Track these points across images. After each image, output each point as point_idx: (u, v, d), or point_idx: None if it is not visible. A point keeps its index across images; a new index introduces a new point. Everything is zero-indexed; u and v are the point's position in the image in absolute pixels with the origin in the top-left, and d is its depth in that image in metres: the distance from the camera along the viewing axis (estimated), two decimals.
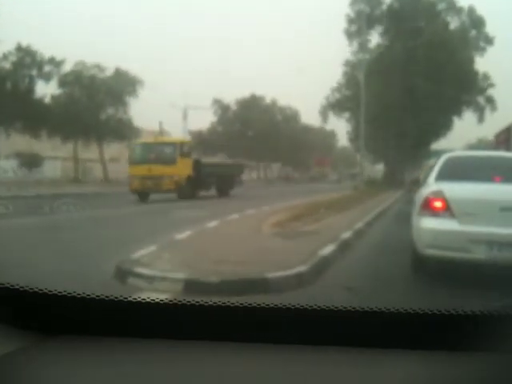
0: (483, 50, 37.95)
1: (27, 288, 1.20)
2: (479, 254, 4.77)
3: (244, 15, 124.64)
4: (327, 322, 1.14)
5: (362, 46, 37.17)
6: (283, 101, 70.61)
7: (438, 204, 5.08)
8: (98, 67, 41.47)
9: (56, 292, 1.20)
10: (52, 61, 38.11)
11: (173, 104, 72.61)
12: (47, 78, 38.34)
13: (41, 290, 1.20)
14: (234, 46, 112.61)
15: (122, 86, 41.03)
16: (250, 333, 1.16)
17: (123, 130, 40.72)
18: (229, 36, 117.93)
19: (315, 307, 1.14)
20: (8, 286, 1.20)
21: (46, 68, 38.22)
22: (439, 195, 5.13)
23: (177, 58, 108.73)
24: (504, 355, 1.05)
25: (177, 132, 51.25)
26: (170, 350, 1.15)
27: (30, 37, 72.12)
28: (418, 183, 8.04)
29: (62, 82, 39.41)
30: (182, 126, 58.00)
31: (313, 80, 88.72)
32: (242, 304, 1.18)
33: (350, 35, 38.92)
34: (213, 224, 9.51)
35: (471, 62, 37.79)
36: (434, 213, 5.09)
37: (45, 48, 38.09)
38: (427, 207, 5.17)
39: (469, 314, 1.11)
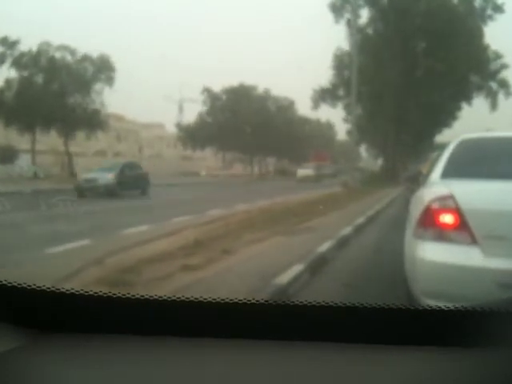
0: (491, 18, 32.15)
1: (25, 285, 1.17)
2: None
3: (242, 7, 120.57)
4: (327, 319, 1.15)
5: (351, 22, 31.09)
6: (280, 93, 66.75)
7: (446, 218, 3.12)
8: (66, 49, 37.01)
9: (54, 289, 1.19)
10: (4, 41, 33.53)
11: (168, 96, 69.45)
12: (0, 60, 33.87)
13: (39, 287, 1.18)
14: (233, 40, 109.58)
15: (90, 70, 36.71)
16: (249, 330, 1.15)
17: (91, 120, 36.39)
18: (228, 29, 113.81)
19: (315, 303, 1.15)
20: (5, 283, 1.18)
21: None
22: (448, 203, 3.12)
23: (175, 51, 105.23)
24: (504, 351, 1.06)
25: (172, 125, 49.46)
26: (170, 348, 1.14)
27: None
28: (418, 180, 5.60)
29: (16, 64, 34.80)
30: (177, 118, 57.49)
31: (310, 71, 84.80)
32: (240, 301, 1.18)
33: (335, 10, 33.14)
34: None
35: (481, 33, 32.15)
36: (440, 233, 3.14)
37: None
38: (429, 223, 3.20)
39: (469, 310, 1.13)
